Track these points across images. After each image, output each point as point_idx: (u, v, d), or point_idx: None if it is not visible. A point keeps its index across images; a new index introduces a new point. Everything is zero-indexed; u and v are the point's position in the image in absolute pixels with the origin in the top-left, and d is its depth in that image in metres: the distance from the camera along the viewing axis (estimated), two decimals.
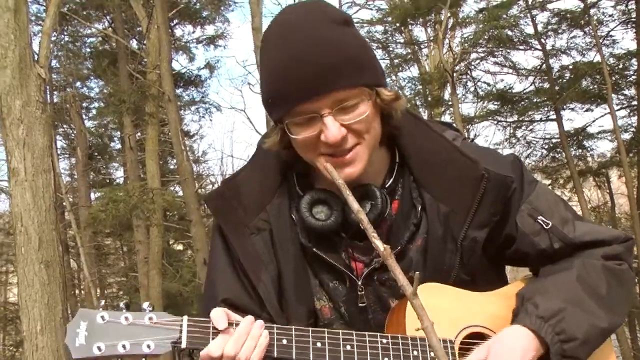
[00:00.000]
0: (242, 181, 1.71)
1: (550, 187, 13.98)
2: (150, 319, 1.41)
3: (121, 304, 1.43)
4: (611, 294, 1.60)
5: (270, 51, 1.51)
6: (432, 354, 1.50)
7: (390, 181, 1.65)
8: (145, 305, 1.43)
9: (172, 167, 17.87)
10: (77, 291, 18.77)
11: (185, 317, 1.42)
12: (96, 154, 18.92)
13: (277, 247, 1.64)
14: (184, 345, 1.40)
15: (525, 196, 1.64)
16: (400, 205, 1.64)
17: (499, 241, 1.65)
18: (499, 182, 1.59)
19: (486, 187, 1.58)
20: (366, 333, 1.50)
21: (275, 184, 1.68)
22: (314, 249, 1.62)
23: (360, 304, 1.63)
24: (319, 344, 1.46)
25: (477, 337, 1.57)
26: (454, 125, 1.84)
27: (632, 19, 12.34)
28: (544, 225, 1.63)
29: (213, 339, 1.41)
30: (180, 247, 18.53)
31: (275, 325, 1.46)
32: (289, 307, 1.63)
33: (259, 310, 1.60)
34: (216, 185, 18.59)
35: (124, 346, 1.37)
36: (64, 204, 14.70)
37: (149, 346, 1.38)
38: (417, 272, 1.10)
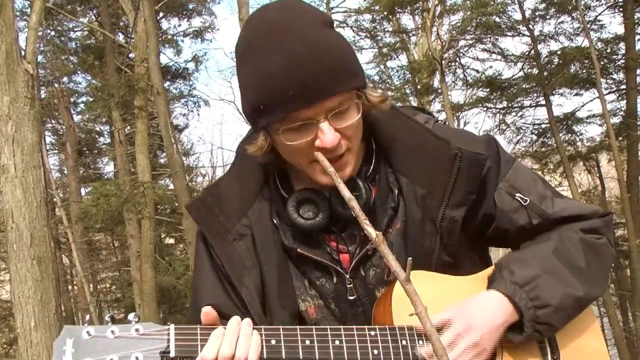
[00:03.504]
0: (223, 188, 1.72)
1: (540, 172, 14.03)
2: (136, 330, 1.40)
3: (107, 317, 1.41)
4: (589, 266, 1.61)
5: (256, 57, 1.47)
6: (420, 342, 1.51)
7: (370, 169, 1.66)
8: (131, 316, 1.43)
9: (162, 160, 17.83)
10: (69, 287, 18.73)
11: (172, 326, 1.41)
12: (85, 149, 18.87)
13: (259, 252, 1.65)
14: (172, 354, 1.39)
15: (502, 174, 1.65)
16: (377, 190, 1.66)
17: (477, 220, 1.66)
18: (473, 160, 1.61)
19: (460, 165, 1.59)
20: (354, 327, 1.50)
21: (256, 189, 1.69)
22: (298, 250, 1.63)
23: (350, 297, 1.64)
24: (307, 342, 1.45)
25: None
26: (426, 109, 1.86)
27: (619, 3, 12.37)
28: (522, 202, 1.64)
29: (202, 344, 1.41)
30: (172, 240, 18.51)
31: (263, 327, 1.46)
32: (272, 311, 1.64)
33: (243, 317, 1.60)
34: (206, 178, 18.65)
35: None
36: (55, 199, 14.64)
37: (137, 358, 1.37)
38: (410, 258, 1.10)
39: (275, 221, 1.66)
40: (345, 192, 1.24)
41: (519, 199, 1.64)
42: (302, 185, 1.66)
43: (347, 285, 1.64)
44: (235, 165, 1.75)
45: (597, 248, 1.65)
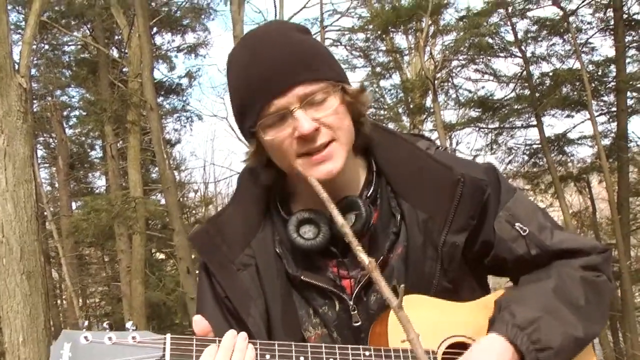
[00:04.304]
0: (226, 218, 1.72)
1: (531, 192, 14.09)
2: (133, 338, 1.40)
3: (104, 324, 1.43)
4: (588, 305, 1.61)
5: (236, 64, 1.56)
6: None
7: (371, 191, 1.67)
8: (129, 324, 1.44)
9: (154, 175, 17.81)
10: (59, 301, 18.61)
11: (169, 335, 1.42)
12: (77, 163, 18.83)
13: (263, 281, 1.65)
14: None
15: (502, 203, 1.66)
16: (379, 214, 1.66)
17: (476, 247, 1.66)
18: (475, 185, 1.61)
19: (462, 191, 1.60)
20: (349, 346, 1.50)
21: (258, 218, 1.69)
22: (302, 277, 1.63)
23: (355, 324, 1.63)
24: (302, 358, 1.46)
25: (459, 347, 1.58)
26: (426, 135, 1.87)
27: (611, 27, 12.47)
28: (522, 232, 1.64)
29: (197, 355, 1.41)
30: (162, 256, 18.44)
31: (258, 341, 1.46)
32: (277, 340, 1.64)
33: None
34: (198, 194, 18.63)
35: None
36: (45, 213, 14.60)
37: None
38: (403, 285, 1.11)
39: (278, 250, 1.66)
40: (338, 218, 1.24)
41: (518, 228, 1.64)
42: (303, 207, 1.66)
43: (352, 312, 1.63)
44: (237, 195, 1.75)
45: (597, 286, 1.65)
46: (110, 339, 1.40)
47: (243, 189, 1.74)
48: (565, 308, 1.58)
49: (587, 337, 1.60)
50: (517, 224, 1.64)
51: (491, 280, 1.85)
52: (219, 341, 1.43)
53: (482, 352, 1.52)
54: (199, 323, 1.46)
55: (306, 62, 1.50)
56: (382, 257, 1.61)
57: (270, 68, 1.48)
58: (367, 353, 1.50)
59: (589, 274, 1.65)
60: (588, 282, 1.63)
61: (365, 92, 1.61)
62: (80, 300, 17.39)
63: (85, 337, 1.39)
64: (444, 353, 1.56)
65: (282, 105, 1.48)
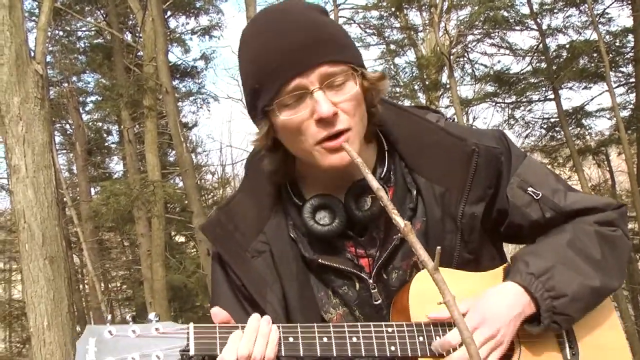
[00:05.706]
0: (236, 206, 1.71)
1: (549, 166, 13.99)
2: (157, 329, 1.42)
3: (128, 317, 1.44)
4: (604, 257, 1.60)
5: (253, 41, 1.52)
6: (437, 338, 1.51)
7: (384, 170, 1.66)
8: (152, 315, 1.45)
9: (171, 158, 17.88)
10: (81, 286, 18.80)
11: (192, 325, 1.43)
12: (95, 148, 18.93)
13: (278, 267, 1.64)
14: (192, 352, 1.41)
15: (513, 169, 1.66)
16: (395, 191, 1.65)
17: (492, 216, 1.66)
18: (490, 154, 1.62)
19: (478, 161, 1.60)
20: (371, 324, 1.51)
21: (269, 203, 1.68)
22: (319, 260, 1.63)
23: (375, 302, 1.64)
24: (325, 339, 1.46)
25: None
26: (433, 107, 1.86)
27: None
28: (534, 196, 1.64)
29: (221, 343, 1.42)
30: (182, 239, 18.54)
31: (280, 325, 1.47)
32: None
33: None
34: (216, 176, 18.68)
35: (133, 359, 1.39)
36: (65, 199, 14.70)
37: (158, 357, 1.40)
38: (439, 247, 1.10)
39: (292, 235, 1.65)
40: (373, 183, 1.24)
41: (531, 193, 1.64)
42: (314, 193, 1.65)
43: (372, 290, 1.63)
44: (246, 182, 1.74)
45: (613, 240, 1.64)
46: (134, 331, 1.42)
47: (251, 176, 1.73)
48: (580, 260, 1.58)
49: (604, 287, 1.60)
50: (529, 189, 1.64)
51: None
52: (242, 327, 1.44)
53: (492, 297, 1.53)
54: (218, 315, 1.47)
55: (331, 42, 1.47)
56: (400, 234, 1.61)
57: (294, 44, 1.44)
58: (389, 329, 1.50)
59: (605, 228, 1.65)
60: (603, 237, 1.63)
61: (384, 79, 1.58)
62: (102, 285, 17.55)
63: (110, 332, 1.41)
64: None
65: (302, 84, 1.45)
